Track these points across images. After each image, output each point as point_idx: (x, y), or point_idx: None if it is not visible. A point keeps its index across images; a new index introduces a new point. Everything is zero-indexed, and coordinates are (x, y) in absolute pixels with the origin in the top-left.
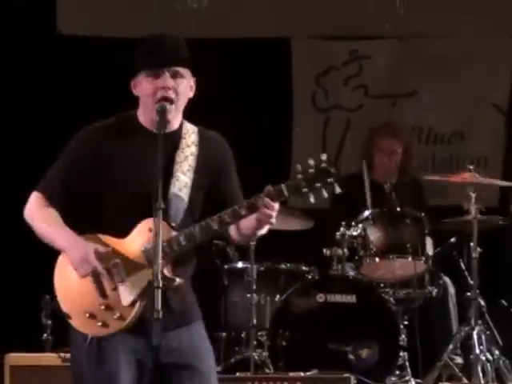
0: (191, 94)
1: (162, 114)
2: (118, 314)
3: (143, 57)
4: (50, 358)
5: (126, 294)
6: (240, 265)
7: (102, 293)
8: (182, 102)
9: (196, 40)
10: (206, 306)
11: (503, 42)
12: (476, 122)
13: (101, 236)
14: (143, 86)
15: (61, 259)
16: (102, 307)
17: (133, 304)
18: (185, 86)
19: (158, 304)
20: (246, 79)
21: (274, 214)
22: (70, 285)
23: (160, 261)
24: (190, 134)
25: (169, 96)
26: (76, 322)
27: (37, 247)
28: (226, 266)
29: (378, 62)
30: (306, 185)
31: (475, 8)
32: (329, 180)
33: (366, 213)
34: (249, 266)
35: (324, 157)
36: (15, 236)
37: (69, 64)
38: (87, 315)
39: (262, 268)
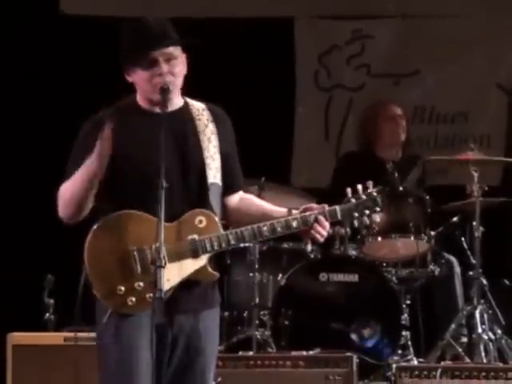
0: (185, 71)
1: (165, 93)
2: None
3: (133, 44)
4: (52, 338)
5: (165, 280)
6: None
7: (143, 272)
8: (179, 82)
9: (198, 20)
10: None
11: (507, 22)
12: (479, 101)
13: (148, 215)
14: (139, 74)
15: (95, 230)
16: (138, 287)
17: (169, 291)
18: (179, 67)
19: (161, 283)
20: (248, 59)
21: (325, 233)
22: (106, 256)
23: (162, 239)
24: (202, 112)
25: (166, 81)
26: (104, 296)
27: (39, 227)
28: None
29: (381, 42)
30: (356, 210)
31: None
32: (376, 209)
33: None
34: (251, 245)
35: (371, 185)
36: (18, 216)
37: (72, 43)
38: (120, 292)
39: (265, 247)
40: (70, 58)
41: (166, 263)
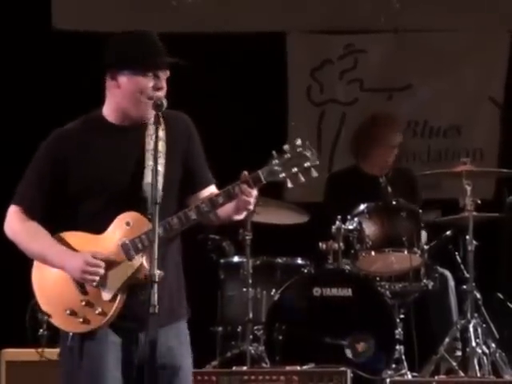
0: None
1: (159, 108)
2: (99, 310)
3: (144, 54)
4: (46, 354)
5: (107, 289)
6: (236, 259)
7: (83, 289)
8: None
9: (192, 34)
10: (203, 301)
11: (499, 36)
12: (472, 115)
13: (77, 232)
14: (134, 82)
15: (36, 262)
16: (83, 303)
17: (113, 299)
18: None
19: (155, 299)
20: (241, 74)
21: (252, 200)
22: (48, 283)
23: (156, 256)
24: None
25: (162, 97)
26: (57, 321)
27: None
28: (221, 261)
29: (374, 56)
30: (283, 170)
31: (471, 1)
32: (305, 164)
33: (362, 206)
34: (245, 260)
35: (299, 141)
36: None
37: (64, 59)
38: (67, 312)
39: (258, 262)
40: (61, 73)
41: (161, 277)
